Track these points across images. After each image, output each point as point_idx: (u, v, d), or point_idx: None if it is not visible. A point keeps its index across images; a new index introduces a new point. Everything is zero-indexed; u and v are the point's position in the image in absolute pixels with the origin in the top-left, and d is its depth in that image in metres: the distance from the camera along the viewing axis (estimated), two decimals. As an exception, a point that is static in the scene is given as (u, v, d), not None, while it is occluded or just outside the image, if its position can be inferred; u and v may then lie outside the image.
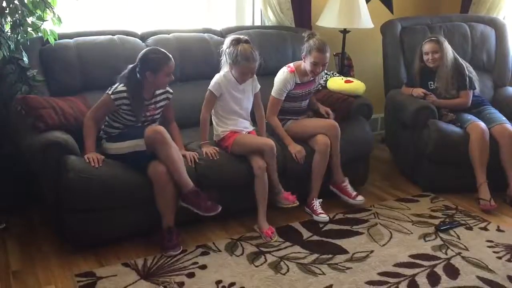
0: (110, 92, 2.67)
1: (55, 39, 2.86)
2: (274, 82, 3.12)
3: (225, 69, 2.97)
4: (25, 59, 2.77)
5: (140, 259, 2.57)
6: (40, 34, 2.82)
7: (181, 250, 2.64)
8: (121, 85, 2.68)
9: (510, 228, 2.97)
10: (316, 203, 3.06)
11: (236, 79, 2.93)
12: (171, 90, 2.88)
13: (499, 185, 3.22)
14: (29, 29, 2.77)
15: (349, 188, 3.14)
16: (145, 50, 2.73)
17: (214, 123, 2.99)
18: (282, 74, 3.10)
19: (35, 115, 2.63)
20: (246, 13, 3.96)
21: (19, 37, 2.73)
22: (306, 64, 3.05)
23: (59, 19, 2.79)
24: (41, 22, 2.77)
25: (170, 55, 2.72)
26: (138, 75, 2.66)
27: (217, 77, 2.95)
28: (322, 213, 3.02)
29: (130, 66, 2.70)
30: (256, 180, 2.82)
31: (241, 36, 2.95)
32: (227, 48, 2.90)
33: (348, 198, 3.13)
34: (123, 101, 2.66)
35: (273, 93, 3.10)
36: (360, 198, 3.14)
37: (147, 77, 2.65)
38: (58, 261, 2.57)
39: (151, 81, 2.67)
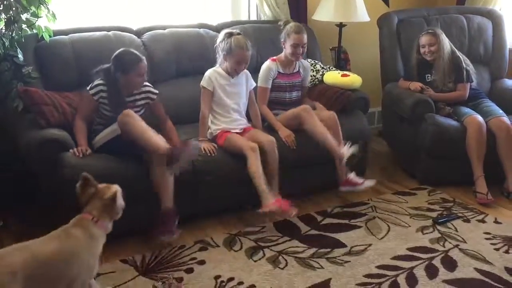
0: (88, 88, 2.73)
1: (50, 36, 2.85)
2: (259, 75, 3.19)
3: (218, 65, 3.00)
4: (20, 56, 2.75)
5: (139, 255, 2.57)
6: (34, 31, 2.80)
7: (173, 237, 2.59)
8: (99, 79, 2.73)
9: (507, 220, 2.98)
10: (352, 176, 3.03)
11: (229, 72, 2.96)
12: (155, 91, 2.88)
13: (496, 178, 3.23)
14: (24, 26, 2.75)
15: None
16: (117, 51, 2.72)
17: (209, 121, 2.99)
18: (265, 64, 3.23)
19: (36, 110, 2.64)
20: (242, 8, 3.94)
21: (13, 34, 2.71)
22: (286, 49, 3.15)
23: (54, 16, 2.77)
24: (36, 19, 2.75)
25: (143, 57, 2.73)
26: (112, 75, 2.68)
27: (207, 72, 2.99)
28: (366, 180, 3.04)
29: (105, 66, 2.70)
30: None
31: (234, 30, 2.98)
32: (220, 42, 2.94)
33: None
34: (101, 94, 2.70)
35: (259, 83, 3.19)
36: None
37: (119, 78, 2.67)
38: (56, 258, 2.56)
39: (123, 82, 2.69)
